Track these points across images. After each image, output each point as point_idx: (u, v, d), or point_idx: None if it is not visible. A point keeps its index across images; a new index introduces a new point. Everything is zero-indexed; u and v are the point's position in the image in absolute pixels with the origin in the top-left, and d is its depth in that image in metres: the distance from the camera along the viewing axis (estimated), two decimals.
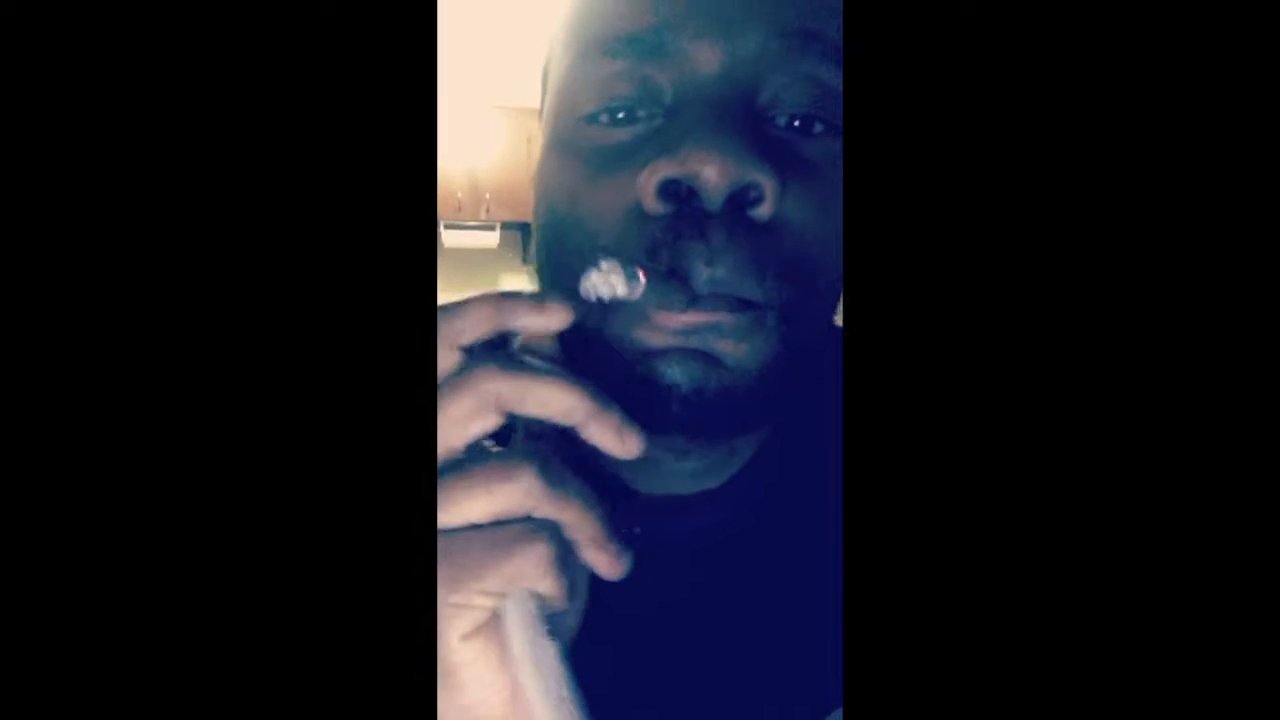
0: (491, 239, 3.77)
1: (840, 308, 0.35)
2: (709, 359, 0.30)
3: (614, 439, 0.26)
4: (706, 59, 0.30)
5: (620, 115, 0.32)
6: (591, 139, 0.32)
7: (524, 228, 3.88)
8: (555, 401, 0.25)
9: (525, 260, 3.99)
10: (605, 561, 0.26)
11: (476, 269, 3.73)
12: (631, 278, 0.26)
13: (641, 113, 0.31)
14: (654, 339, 0.30)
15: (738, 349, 0.31)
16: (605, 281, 0.26)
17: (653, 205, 0.30)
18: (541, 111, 0.38)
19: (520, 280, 4.08)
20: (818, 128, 0.31)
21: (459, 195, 3.30)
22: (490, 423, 0.25)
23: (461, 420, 0.25)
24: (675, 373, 0.30)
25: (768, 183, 0.29)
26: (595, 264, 0.27)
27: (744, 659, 0.35)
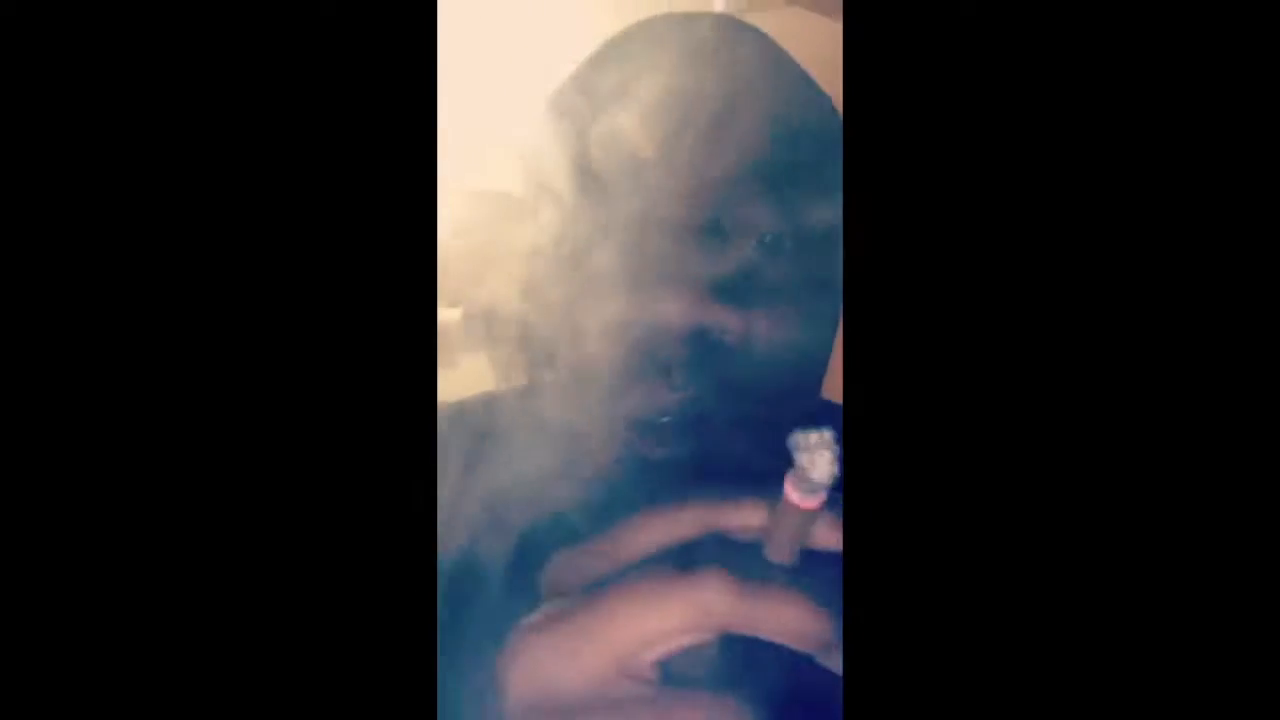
0: (454, 316, 3.75)
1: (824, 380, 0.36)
2: None
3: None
4: (675, 186, 0.31)
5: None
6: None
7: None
8: (796, 624, 0.21)
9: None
10: None
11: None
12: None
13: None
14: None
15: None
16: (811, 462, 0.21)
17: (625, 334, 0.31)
18: None
19: (479, 361, 4.01)
20: (788, 245, 0.32)
21: None
22: (702, 641, 0.21)
23: (669, 633, 0.21)
24: None
25: (732, 319, 0.30)
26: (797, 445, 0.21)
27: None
